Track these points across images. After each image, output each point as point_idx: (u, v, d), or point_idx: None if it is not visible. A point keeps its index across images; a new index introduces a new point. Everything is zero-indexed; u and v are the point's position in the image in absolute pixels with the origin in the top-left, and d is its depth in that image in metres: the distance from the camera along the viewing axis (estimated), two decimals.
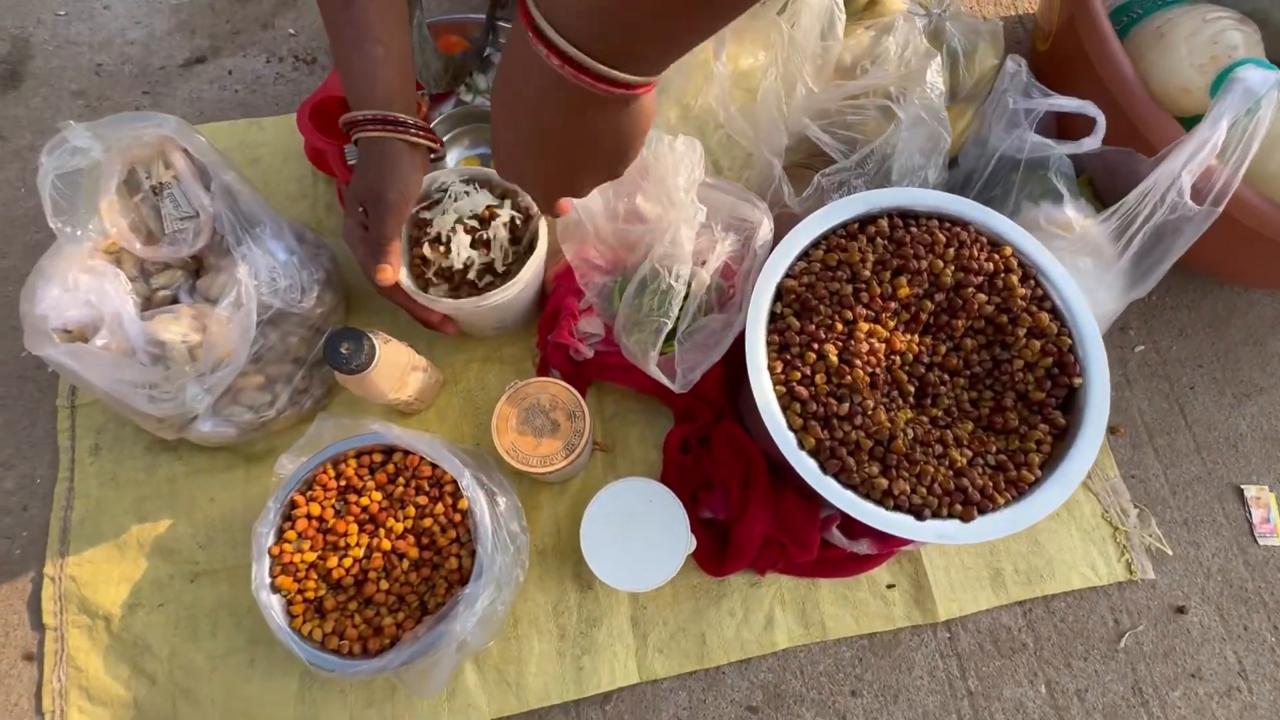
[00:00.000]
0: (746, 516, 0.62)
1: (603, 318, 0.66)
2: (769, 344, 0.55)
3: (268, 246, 0.60)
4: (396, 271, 0.56)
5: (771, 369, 0.54)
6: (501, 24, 0.84)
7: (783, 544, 0.63)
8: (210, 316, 0.60)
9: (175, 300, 0.63)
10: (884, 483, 0.51)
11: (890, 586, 0.67)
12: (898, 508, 0.51)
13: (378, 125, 0.55)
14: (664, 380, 0.58)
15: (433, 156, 0.60)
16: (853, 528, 0.65)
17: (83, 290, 0.56)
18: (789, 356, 0.54)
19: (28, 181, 0.78)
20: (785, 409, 0.53)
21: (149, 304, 0.62)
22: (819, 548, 0.64)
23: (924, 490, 0.51)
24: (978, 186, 0.65)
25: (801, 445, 0.52)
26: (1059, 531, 0.69)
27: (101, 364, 0.53)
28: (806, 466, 0.51)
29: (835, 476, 0.52)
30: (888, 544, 0.64)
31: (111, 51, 0.84)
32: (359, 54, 0.55)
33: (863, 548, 0.64)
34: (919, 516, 0.51)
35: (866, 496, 0.51)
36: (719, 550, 0.64)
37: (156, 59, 0.84)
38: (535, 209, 0.63)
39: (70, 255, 0.58)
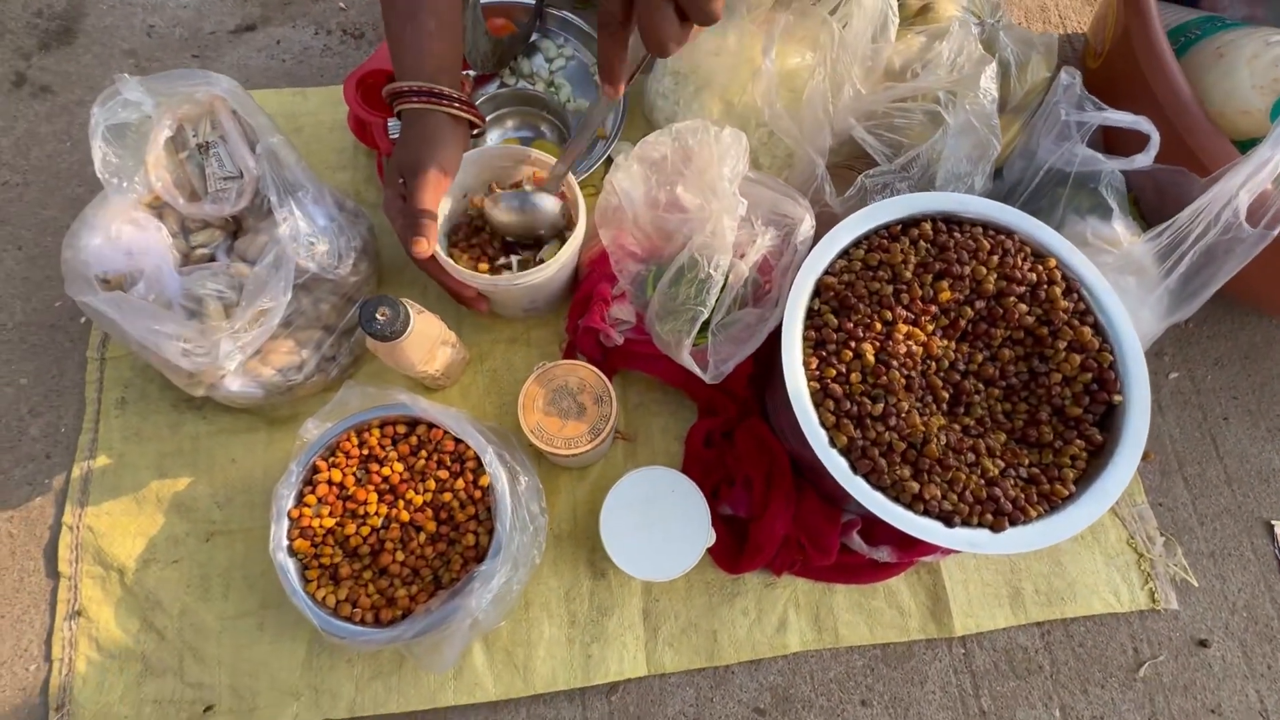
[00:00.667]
0: (767, 515, 0.61)
1: (635, 305, 0.65)
2: (805, 339, 0.54)
3: (309, 211, 0.60)
4: (432, 244, 0.56)
5: (806, 364, 0.53)
6: (549, 10, 0.84)
7: (802, 545, 0.63)
8: (247, 276, 0.60)
9: (212, 259, 0.63)
10: (915, 486, 0.50)
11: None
12: (927, 513, 0.50)
13: (423, 98, 0.55)
14: (695, 370, 0.58)
15: (474, 133, 0.60)
16: (874, 534, 0.64)
17: (125, 241, 0.57)
18: (825, 353, 0.54)
19: (74, 135, 0.79)
20: (818, 405, 0.52)
21: (187, 261, 0.62)
22: (838, 552, 0.63)
23: (955, 497, 0.50)
24: (1023, 198, 0.64)
25: (833, 443, 0.51)
26: (1082, 554, 0.68)
27: (140, 314, 0.53)
28: (837, 465, 0.51)
29: (865, 477, 0.51)
30: (909, 553, 0.63)
31: (164, 14, 0.85)
32: (412, 25, 0.55)
33: (883, 555, 0.63)
34: (948, 523, 0.50)
35: (896, 499, 0.50)
36: (736, 547, 0.64)
37: (208, 24, 0.85)
38: (574, 192, 0.63)
39: (115, 207, 0.58)
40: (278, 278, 0.55)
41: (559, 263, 0.60)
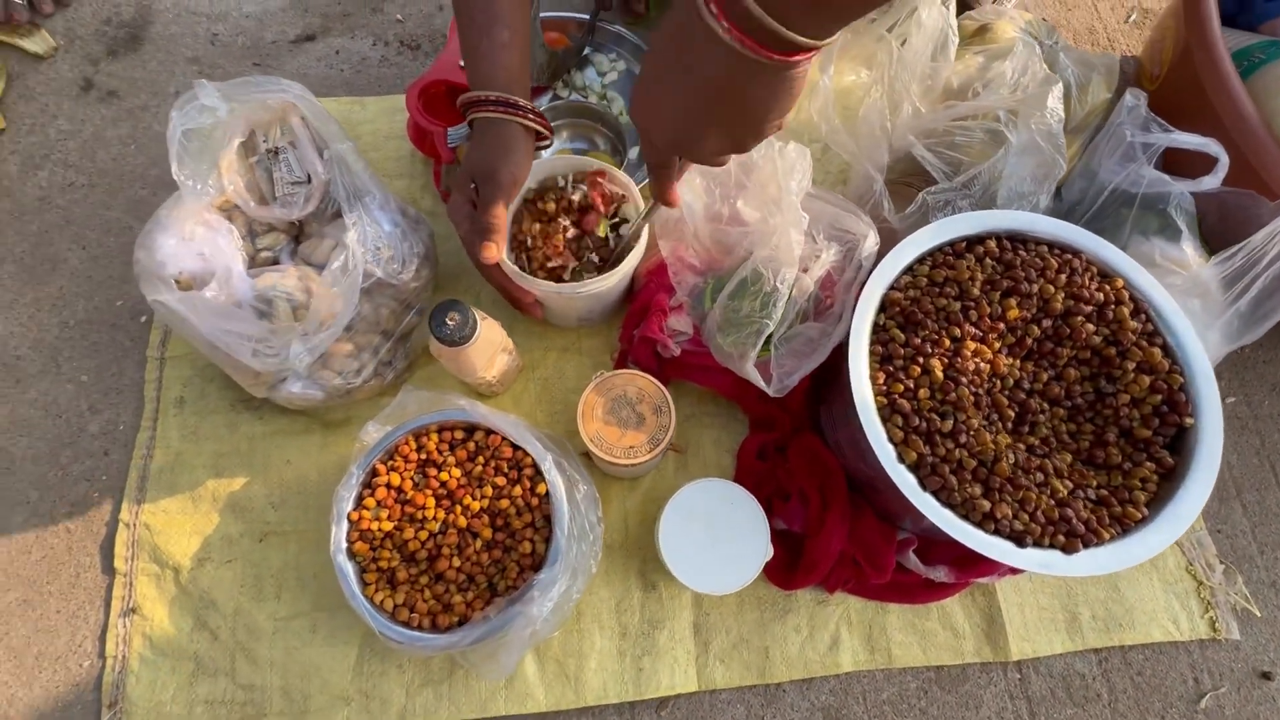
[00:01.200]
0: (824, 532, 0.61)
1: (692, 316, 0.65)
2: (871, 354, 0.54)
3: (375, 216, 0.61)
4: (501, 250, 0.57)
5: (873, 379, 0.53)
6: (602, 25, 0.85)
7: (857, 563, 0.62)
8: (313, 279, 0.61)
9: (276, 261, 0.64)
10: (986, 505, 0.49)
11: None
12: (998, 532, 0.49)
13: (498, 108, 0.56)
14: (759, 383, 0.58)
15: (540, 144, 0.61)
16: (930, 553, 0.63)
17: (198, 242, 0.58)
18: (892, 368, 0.53)
19: (138, 139, 0.80)
20: (885, 420, 0.52)
21: (252, 263, 0.63)
22: (892, 571, 0.62)
23: (1026, 517, 0.50)
24: (1086, 217, 0.64)
25: (901, 459, 0.51)
26: (1140, 580, 0.67)
27: (214, 314, 0.54)
28: (905, 481, 0.50)
29: (934, 494, 0.50)
30: (966, 573, 0.62)
31: (228, 23, 0.87)
32: (488, 37, 0.56)
33: (940, 575, 0.62)
34: (1020, 543, 0.49)
35: (965, 517, 0.50)
36: (790, 563, 0.63)
37: (269, 33, 0.86)
38: (635, 204, 0.63)
39: (188, 208, 0.59)
40: (347, 282, 0.56)
41: (620, 273, 0.60)
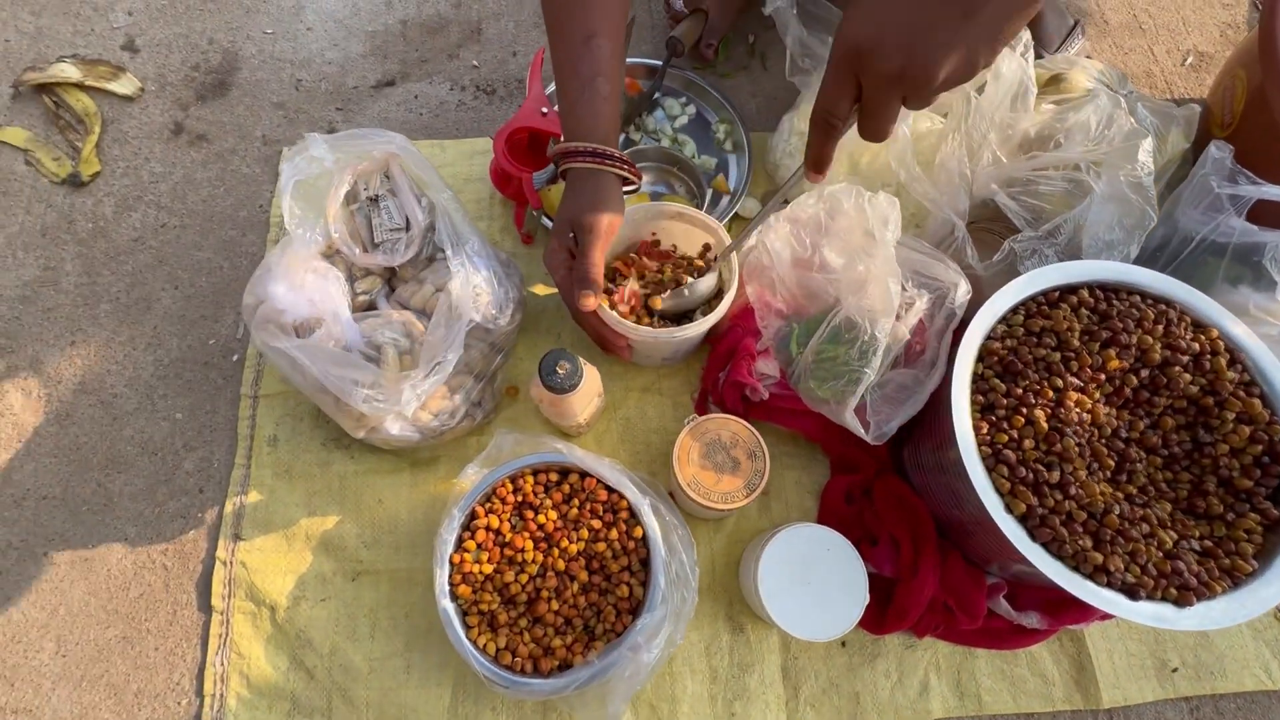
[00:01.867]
0: (916, 577, 0.61)
1: (778, 360, 0.66)
2: (973, 404, 0.54)
3: (475, 263, 0.62)
4: (600, 298, 0.58)
5: (976, 429, 0.53)
6: (673, 70, 0.88)
7: (949, 608, 0.62)
8: (414, 323, 0.62)
9: (373, 306, 0.66)
10: (1098, 557, 0.49)
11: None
12: (1110, 585, 0.50)
13: (595, 159, 0.58)
14: (859, 431, 0.59)
15: (627, 190, 0.63)
16: (1019, 598, 0.63)
17: (308, 289, 0.59)
18: (994, 418, 0.54)
19: (227, 181, 0.83)
20: (991, 470, 0.52)
21: (350, 308, 0.64)
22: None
23: (1137, 569, 0.50)
24: (1170, 267, 0.65)
25: (1009, 510, 0.51)
26: (1229, 627, 0.66)
27: (329, 360, 0.55)
28: (1015, 533, 0.50)
29: (1044, 546, 0.51)
30: (1058, 619, 0.62)
31: (311, 69, 0.90)
32: (590, 90, 0.58)
33: (1032, 620, 0.62)
34: (1132, 596, 0.49)
35: (1076, 569, 0.50)
36: (880, 608, 0.63)
37: (350, 79, 0.89)
38: (731, 262, 0.65)
39: (294, 255, 0.61)
40: (456, 327, 0.58)
41: (716, 316, 0.62)
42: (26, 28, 0.91)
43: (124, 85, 0.88)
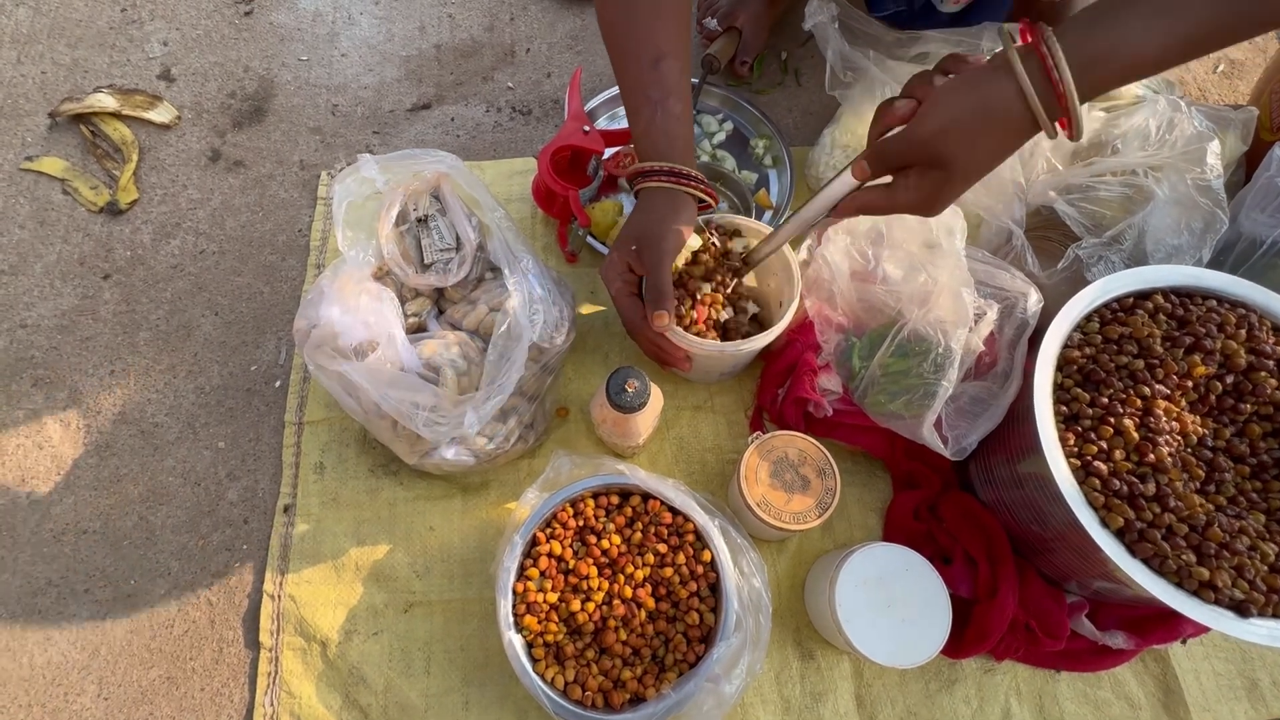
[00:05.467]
0: (996, 598, 0.58)
1: (839, 375, 0.64)
2: (1056, 414, 0.52)
3: (531, 282, 0.61)
4: (673, 316, 0.56)
5: (1063, 441, 0.51)
6: (709, 87, 0.87)
7: (1030, 629, 0.59)
8: (470, 345, 0.61)
9: (424, 327, 0.64)
10: (1204, 573, 0.47)
11: None
12: (1218, 602, 0.47)
13: (669, 178, 0.57)
14: (937, 446, 0.56)
15: (702, 212, 0.61)
16: (1101, 617, 0.60)
17: (362, 311, 0.58)
18: (1080, 429, 0.52)
19: (265, 206, 0.82)
20: (1081, 484, 0.50)
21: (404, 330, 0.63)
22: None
23: (1245, 584, 0.47)
24: (1239, 270, 0.63)
25: (1105, 524, 0.49)
26: None
27: (389, 383, 0.53)
28: (1113, 549, 0.48)
29: (1144, 562, 0.48)
30: (1145, 638, 0.59)
31: (346, 94, 0.89)
32: (662, 110, 0.57)
33: (1118, 641, 0.59)
34: (1242, 614, 0.47)
35: (1180, 586, 0.47)
36: (958, 630, 0.60)
37: (386, 103, 0.89)
38: (790, 264, 0.63)
39: (347, 277, 0.59)
40: (517, 347, 0.56)
41: (779, 329, 0.60)
42: (63, 59, 0.90)
43: (161, 114, 0.87)
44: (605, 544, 0.57)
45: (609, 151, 0.78)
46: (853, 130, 0.80)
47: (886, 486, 0.68)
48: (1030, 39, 0.43)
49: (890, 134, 0.49)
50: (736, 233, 0.65)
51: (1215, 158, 0.59)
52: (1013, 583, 0.59)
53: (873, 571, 0.56)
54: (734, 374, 0.71)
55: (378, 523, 0.66)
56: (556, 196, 0.74)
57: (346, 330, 0.56)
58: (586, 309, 0.76)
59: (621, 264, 0.59)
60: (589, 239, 0.76)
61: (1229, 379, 0.54)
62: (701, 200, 0.59)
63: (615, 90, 0.83)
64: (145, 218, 0.81)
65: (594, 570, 0.56)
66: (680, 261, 0.62)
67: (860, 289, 0.63)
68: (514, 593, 0.55)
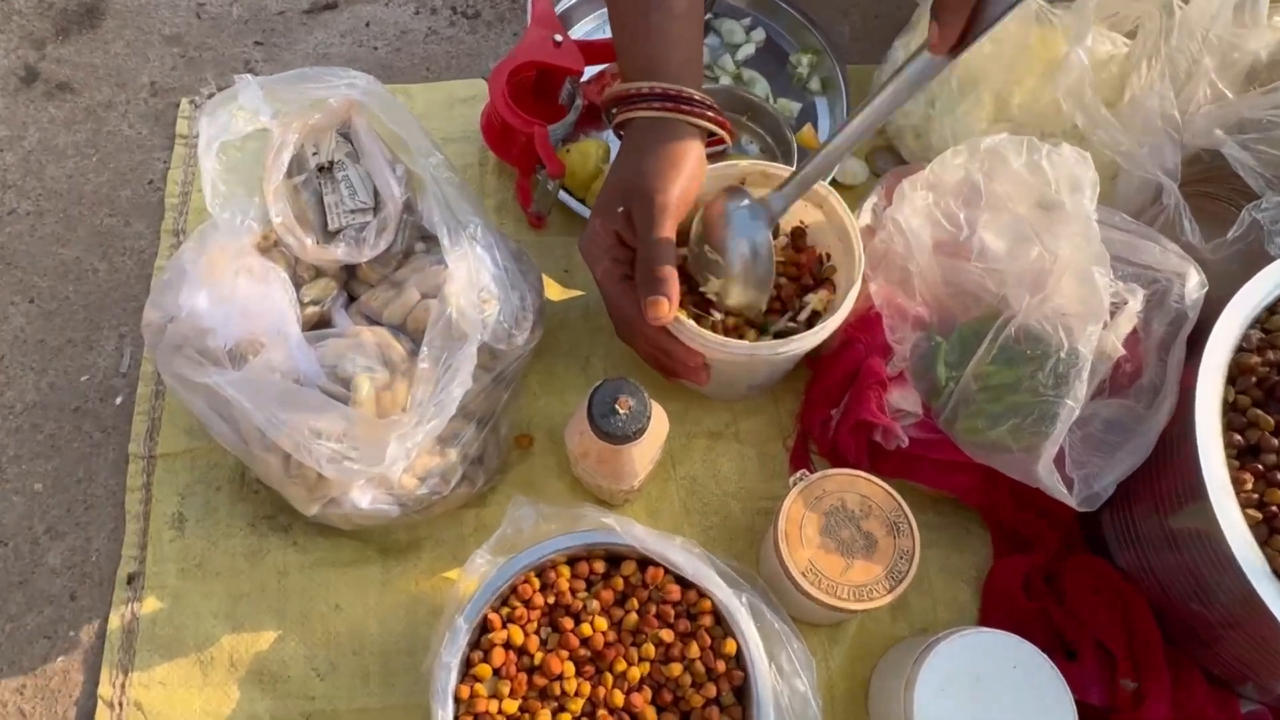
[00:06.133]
0: (1142, 708, 0.59)
1: (918, 390, 0.65)
2: (1227, 446, 0.53)
3: (479, 257, 0.61)
4: (675, 304, 0.56)
5: (1236, 482, 0.51)
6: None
7: None
8: (393, 346, 0.60)
9: (326, 321, 0.64)
10: None
11: None
12: None
13: (665, 104, 0.57)
14: (1060, 493, 0.57)
15: (717, 148, 0.61)
16: None
17: (240, 299, 0.57)
18: (1262, 467, 0.52)
19: (102, 148, 0.82)
20: (1263, 544, 0.50)
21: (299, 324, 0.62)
22: None
23: None
24: None
25: None
26: None
27: (279, 401, 0.53)
28: None
29: None
30: None
31: None
32: (659, 7, 0.57)
33: None
34: None
35: None
36: None
37: (274, 2, 0.89)
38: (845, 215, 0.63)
39: (218, 250, 0.59)
40: (460, 350, 0.56)
41: (832, 326, 0.60)
42: None
43: None
44: (586, 630, 0.57)
45: (590, 71, 0.78)
46: None
47: (986, 548, 0.69)
48: None
49: None
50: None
51: None
52: (1164, 686, 0.59)
53: (966, 669, 0.56)
54: (768, 387, 0.72)
55: (261, 599, 0.66)
56: (516, 135, 0.74)
57: (218, 325, 0.56)
58: (558, 294, 0.77)
59: (607, 233, 0.59)
60: (562, 195, 0.77)
61: None
62: (712, 133, 0.59)
63: None
64: None
65: (570, 667, 0.57)
66: (691, 221, 0.62)
67: (948, 267, 0.64)
68: (456, 700, 0.55)
